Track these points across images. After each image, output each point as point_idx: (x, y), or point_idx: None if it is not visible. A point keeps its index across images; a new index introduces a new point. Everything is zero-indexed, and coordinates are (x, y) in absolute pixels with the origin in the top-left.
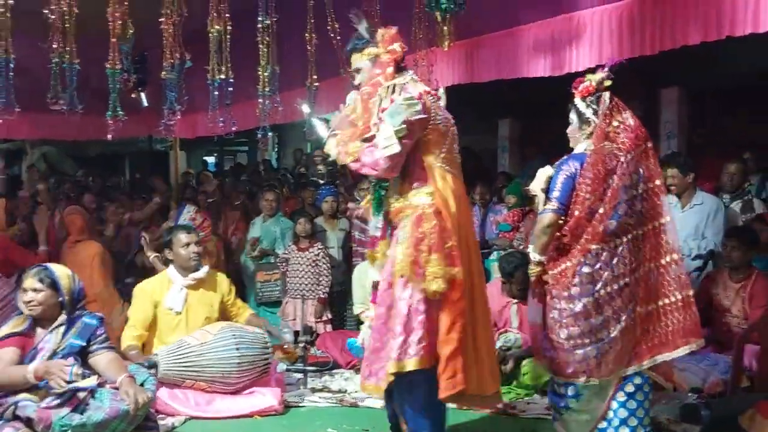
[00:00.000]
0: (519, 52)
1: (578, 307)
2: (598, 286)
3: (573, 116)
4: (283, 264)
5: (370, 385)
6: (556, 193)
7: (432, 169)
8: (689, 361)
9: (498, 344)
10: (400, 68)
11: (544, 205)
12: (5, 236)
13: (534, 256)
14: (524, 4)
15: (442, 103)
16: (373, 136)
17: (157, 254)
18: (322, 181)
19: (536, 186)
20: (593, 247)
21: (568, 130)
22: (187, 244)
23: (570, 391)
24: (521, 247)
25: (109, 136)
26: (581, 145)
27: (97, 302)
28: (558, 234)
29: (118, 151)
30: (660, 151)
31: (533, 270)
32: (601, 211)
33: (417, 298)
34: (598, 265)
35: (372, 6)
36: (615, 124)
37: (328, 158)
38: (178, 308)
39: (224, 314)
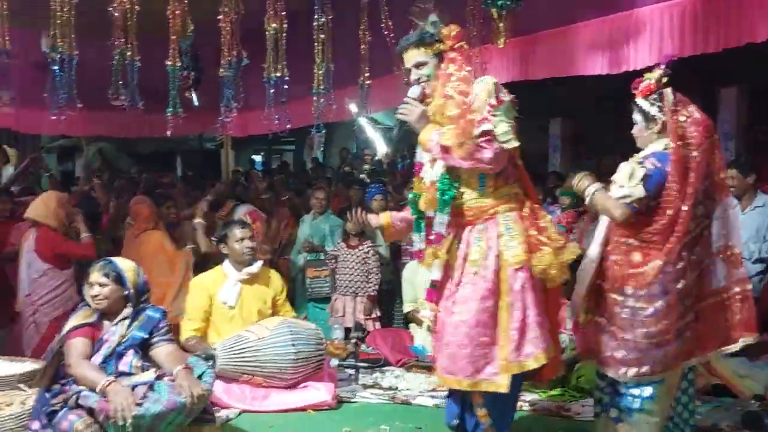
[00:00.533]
0: (575, 50)
1: (659, 304)
2: (680, 284)
3: (637, 116)
4: (332, 261)
5: (483, 381)
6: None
7: (520, 167)
8: (752, 368)
9: None
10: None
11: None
12: (47, 230)
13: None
14: (581, 1)
15: None
16: (484, 132)
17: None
18: (368, 180)
19: (620, 179)
20: (679, 246)
21: (633, 131)
22: (242, 239)
23: (645, 392)
24: None
25: (168, 133)
26: (656, 144)
27: (160, 287)
28: (640, 231)
29: (171, 149)
30: None
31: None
32: (684, 209)
33: (529, 292)
34: (681, 264)
35: (426, 1)
36: (682, 118)
37: (374, 158)
38: (231, 302)
39: (273, 311)
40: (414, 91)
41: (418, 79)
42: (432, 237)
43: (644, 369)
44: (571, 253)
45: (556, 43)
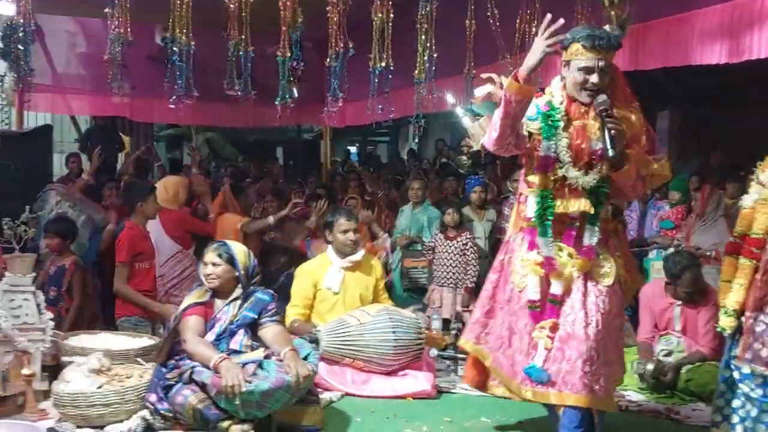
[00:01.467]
0: (691, 38)
1: None
2: None
3: None
4: (430, 252)
5: (600, 398)
6: None
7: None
8: None
9: (659, 347)
10: None
11: None
12: (181, 211)
13: None
14: None
15: None
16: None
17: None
18: (463, 172)
19: None
20: None
21: None
22: (346, 231)
23: None
24: (681, 246)
25: (278, 123)
26: None
27: None
28: None
29: (272, 139)
30: None
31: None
32: None
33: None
34: None
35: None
36: None
37: (472, 149)
38: (335, 288)
39: (374, 298)
40: (605, 101)
41: (596, 87)
42: (584, 249)
43: None
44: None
45: (670, 31)
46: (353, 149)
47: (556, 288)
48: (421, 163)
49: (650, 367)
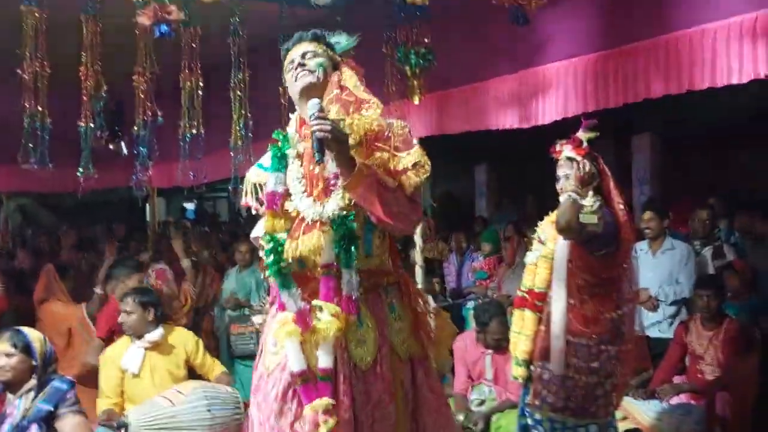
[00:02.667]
0: (487, 105)
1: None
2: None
3: (568, 171)
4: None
5: None
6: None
7: None
8: (663, 410)
9: (472, 397)
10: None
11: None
12: None
13: None
14: (490, 59)
15: None
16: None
17: None
18: None
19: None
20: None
21: (560, 185)
22: (128, 313)
23: None
24: (495, 295)
25: (79, 191)
26: (589, 199)
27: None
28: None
29: (95, 199)
30: (633, 196)
31: None
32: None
33: None
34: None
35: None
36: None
37: None
38: (134, 369)
39: (193, 372)
40: (315, 104)
41: (309, 82)
42: (343, 300)
43: None
44: None
45: (469, 98)
46: (190, 206)
47: (324, 360)
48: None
49: (461, 417)
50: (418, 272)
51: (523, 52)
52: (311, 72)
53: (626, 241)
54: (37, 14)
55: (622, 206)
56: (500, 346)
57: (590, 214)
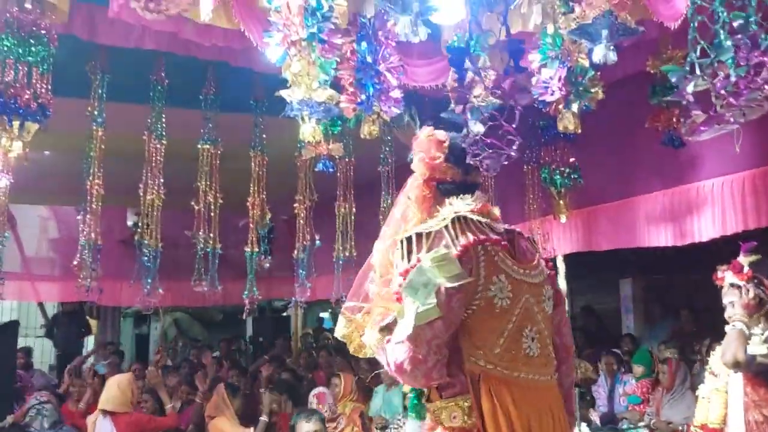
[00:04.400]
0: (637, 222)
1: None
2: None
3: (734, 297)
4: None
5: None
6: None
7: (473, 373)
8: None
9: None
10: (458, 188)
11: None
12: (137, 413)
13: None
14: (641, 174)
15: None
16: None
17: None
18: None
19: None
20: None
21: (730, 313)
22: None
23: None
24: (653, 422)
25: (244, 315)
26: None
27: None
28: None
29: (239, 310)
30: None
31: None
32: None
33: None
34: None
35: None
36: None
37: None
38: None
39: None
40: None
41: None
42: None
43: None
44: None
45: (618, 214)
46: (326, 315)
47: None
48: None
49: None
50: None
51: (675, 167)
52: None
53: None
54: (212, 151)
55: None
56: None
57: (761, 345)
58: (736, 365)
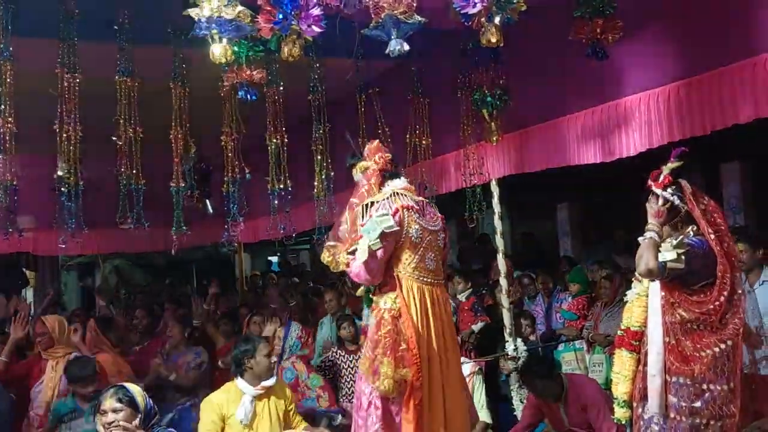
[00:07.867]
0: (567, 141)
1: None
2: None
3: (654, 206)
4: (329, 371)
5: None
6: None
7: (398, 278)
8: None
9: None
10: (391, 175)
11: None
12: None
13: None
14: (569, 94)
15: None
16: (356, 249)
17: None
18: None
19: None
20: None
21: (653, 219)
22: (268, 354)
23: None
24: (590, 335)
25: (173, 251)
26: (679, 232)
27: None
28: (698, 312)
29: (185, 258)
30: None
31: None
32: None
33: (375, 394)
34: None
35: (420, 105)
36: (701, 207)
37: None
38: (246, 420)
39: (285, 423)
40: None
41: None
42: None
43: None
44: None
45: (548, 135)
46: (274, 259)
47: None
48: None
49: None
50: (506, 315)
51: (601, 85)
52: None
53: (723, 272)
54: (129, 83)
55: (713, 236)
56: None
57: (671, 252)
58: (650, 274)
